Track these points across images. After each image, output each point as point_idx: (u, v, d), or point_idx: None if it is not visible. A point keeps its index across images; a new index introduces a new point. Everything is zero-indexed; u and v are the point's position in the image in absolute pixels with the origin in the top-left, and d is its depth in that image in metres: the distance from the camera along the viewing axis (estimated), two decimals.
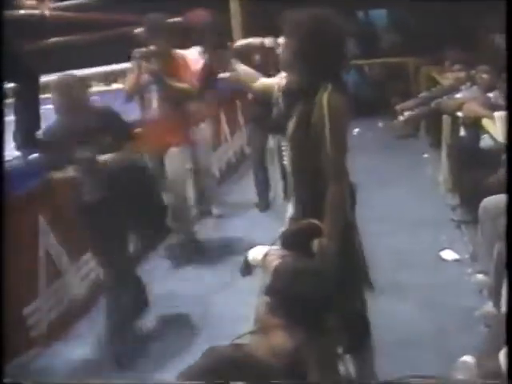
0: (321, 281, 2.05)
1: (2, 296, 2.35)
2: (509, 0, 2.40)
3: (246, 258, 2.59)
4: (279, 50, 4.23)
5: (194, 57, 4.73)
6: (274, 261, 2.27)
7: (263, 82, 2.80)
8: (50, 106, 5.61)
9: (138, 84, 4.29)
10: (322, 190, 2.43)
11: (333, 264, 2.27)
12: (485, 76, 4.69)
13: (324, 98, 2.39)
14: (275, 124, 2.78)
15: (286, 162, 2.65)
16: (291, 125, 2.52)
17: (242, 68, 2.81)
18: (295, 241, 2.54)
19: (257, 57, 5.01)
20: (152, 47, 4.26)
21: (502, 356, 2.19)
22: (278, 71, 2.87)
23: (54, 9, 7.31)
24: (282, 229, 2.75)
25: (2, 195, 2.42)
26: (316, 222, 2.39)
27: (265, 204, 5.72)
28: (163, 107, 4.33)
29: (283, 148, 2.70)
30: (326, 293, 2.02)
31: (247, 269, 2.60)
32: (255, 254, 2.55)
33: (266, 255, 2.36)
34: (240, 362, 2.12)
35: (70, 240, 3.77)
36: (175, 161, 4.49)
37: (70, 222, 3.78)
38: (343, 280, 2.22)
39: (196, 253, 4.64)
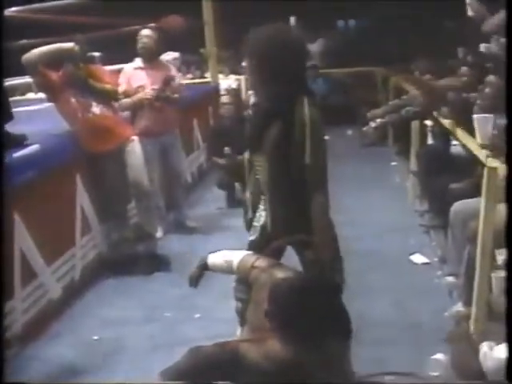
0: (320, 293, 2.07)
1: (2, 296, 2.32)
2: (509, 0, 2.49)
3: (204, 262, 2.61)
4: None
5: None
6: (264, 275, 2.28)
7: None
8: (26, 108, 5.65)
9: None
10: (302, 201, 2.50)
11: (328, 274, 2.33)
12: None
13: (304, 113, 2.46)
14: (249, 141, 2.80)
15: (260, 176, 2.70)
16: (269, 141, 2.55)
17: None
18: (277, 252, 2.60)
19: None
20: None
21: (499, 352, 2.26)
22: None
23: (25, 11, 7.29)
24: (252, 237, 2.82)
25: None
26: (306, 237, 2.45)
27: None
28: (103, 110, 4.42)
29: (256, 163, 2.72)
30: (325, 303, 2.04)
31: (200, 277, 2.63)
32: (216, 258, 2.56)
33: (252, 267, 2.38)
34: (227, 360, 2.14)
35: (45, 241, 3.76)
36: (136, 153, 4.57)
37: (46, 223, 3.80)
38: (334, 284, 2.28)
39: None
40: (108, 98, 4.48)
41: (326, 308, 2.03)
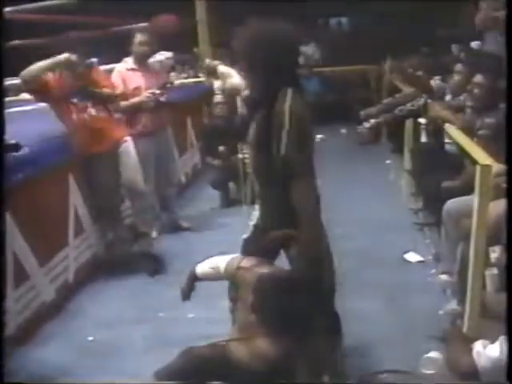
0: (304, 288, 2.07)
1: (2, 297, 2.31)
2: (509, 0, 2.48)
3: (193, 273, 2.63)
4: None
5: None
6: (248, 274, 2.29)
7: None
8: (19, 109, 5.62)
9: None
10: (287, 193, 2.45)
11: (312, 269, 2.30)
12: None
13: (285, 104, 2.43)
14: (238, 131, 2.83)
15: (249, 168, 2.69)
16: (252, 131, 2.56)
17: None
18: (269, 250, 2.60)
19: None
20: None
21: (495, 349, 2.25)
22: None
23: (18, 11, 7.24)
24: (246, 235, 2.80)
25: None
26: (291, 232, 2.43)
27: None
28: (98, 111, 4.40)
29: (246, 155, 2.73)
30: (310, 299, 2.05)
31: (191, 288, 2.65)
32: (203, 267, 2.59)
33: (238, 268, 2.40)
34: (218, 361, 2.15)
35: (38, 242, 3.74)
36: (130, 154, 4.56)
37: (39, 223, 3.78)
38: (321, 283, 2.27)
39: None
40: (106, 101, 4.47)
41: (308, 304, 2.04)
